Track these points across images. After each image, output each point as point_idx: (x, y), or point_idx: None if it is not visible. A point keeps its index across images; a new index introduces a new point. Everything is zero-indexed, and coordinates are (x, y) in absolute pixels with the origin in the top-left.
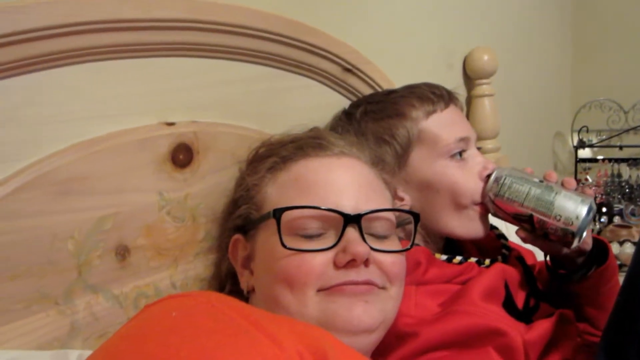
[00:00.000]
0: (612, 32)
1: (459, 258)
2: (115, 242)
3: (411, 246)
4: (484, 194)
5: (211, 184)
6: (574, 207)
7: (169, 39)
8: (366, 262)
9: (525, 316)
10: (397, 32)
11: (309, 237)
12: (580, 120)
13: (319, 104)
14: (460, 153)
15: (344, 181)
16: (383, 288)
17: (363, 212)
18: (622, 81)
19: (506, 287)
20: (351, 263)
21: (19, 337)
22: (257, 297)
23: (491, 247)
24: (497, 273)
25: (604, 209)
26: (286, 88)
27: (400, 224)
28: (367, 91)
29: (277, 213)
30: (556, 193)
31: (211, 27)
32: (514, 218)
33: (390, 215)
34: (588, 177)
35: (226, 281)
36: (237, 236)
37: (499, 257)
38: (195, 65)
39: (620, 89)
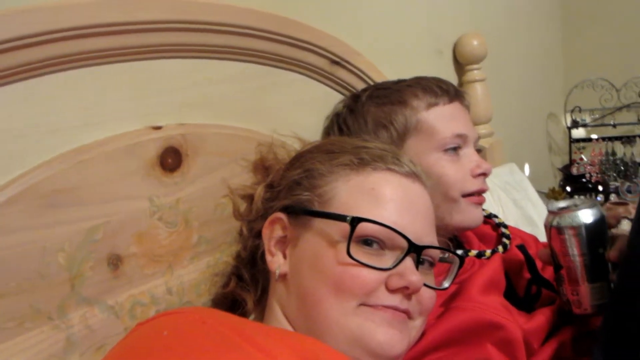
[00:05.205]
0: (601, 10)
1: (458, 252)
2: (107, 252)
3: (449, 286)
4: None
5: (202, 186)
6: (596, 301)
7: (152, 41)
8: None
9: (526, 304)
10: (385, 22)
11: (370, 251)
12: (573, 100)
13: (308, 99)
14: (455, 149)
15: (416, 209)
16: (412, 319)
17: (426, 245)
18: (613, 59)
19: (507, 276)
20: (402, 290)
21: (14, 356)
22: (289, 287)
23: (492, 235)
24: (497, 264)
25: (600, 188)
26: (274, 84)
27: (441, 260)
28: (356, 83)
29: (355, 222)
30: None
31: (194, 27)
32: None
33: (437, 251)
34: (583, 156)
35: (231, 278)
36: (280, 215)
37: (500, 248)
38: (180, 66)
39: (612, 67)
